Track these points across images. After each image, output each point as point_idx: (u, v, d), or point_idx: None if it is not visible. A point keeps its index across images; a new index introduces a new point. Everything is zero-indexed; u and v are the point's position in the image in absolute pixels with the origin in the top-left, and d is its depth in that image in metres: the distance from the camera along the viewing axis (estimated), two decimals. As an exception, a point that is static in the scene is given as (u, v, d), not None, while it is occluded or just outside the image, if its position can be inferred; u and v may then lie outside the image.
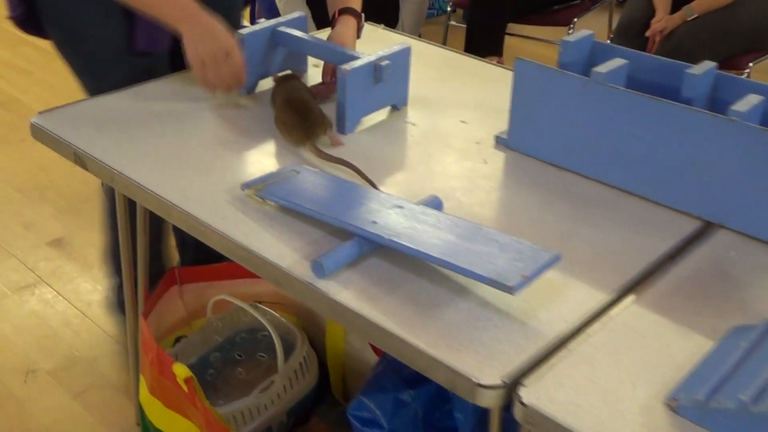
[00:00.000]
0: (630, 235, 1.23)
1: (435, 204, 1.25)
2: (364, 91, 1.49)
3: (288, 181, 1.29)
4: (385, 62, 1.48)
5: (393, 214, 1.19)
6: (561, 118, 1.37)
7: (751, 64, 2.75)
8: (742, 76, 2.75)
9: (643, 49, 2.78)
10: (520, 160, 1.43)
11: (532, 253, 1.09)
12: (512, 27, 3.27)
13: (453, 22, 3.32)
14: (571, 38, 1.44)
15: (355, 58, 1.49)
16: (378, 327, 1.03)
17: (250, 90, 1.62)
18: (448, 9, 3.33)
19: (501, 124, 1.52)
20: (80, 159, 1.40)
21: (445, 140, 1.49)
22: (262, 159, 1.40)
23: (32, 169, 2.97)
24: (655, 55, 1.40)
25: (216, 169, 1.36)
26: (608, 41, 3.01)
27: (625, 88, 1.32)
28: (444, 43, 3.30)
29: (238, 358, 1.76)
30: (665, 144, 1.27)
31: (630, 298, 1.09)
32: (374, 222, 1.16)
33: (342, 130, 1.48)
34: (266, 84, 1.64)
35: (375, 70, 1.48)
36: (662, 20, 2.73)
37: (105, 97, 1.58)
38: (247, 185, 1.28)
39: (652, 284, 1.13)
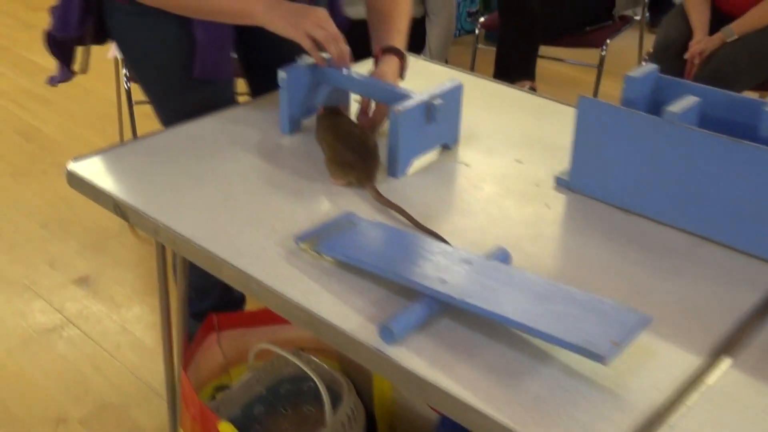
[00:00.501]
0: (713, 287, 1.15)
1: (503, 257, 1.17)
2: (416, 131, 1.41)
3: (344, 232, 1.22)
4: (437, 101, 1.40)
5: (462, 270, 1.11)
6: (630, 159, 1.29)
7: (793, 85, 2.67)
8: (785, 98, 2.67)
9: (682, 71, 2.70)
10: (585, 203, 1.35)
11: (618, 315, 1.01)
12: (542, 49, 3.20)
13: (480, 45, 3.25)
14: (636, 73, 1.36)
15: (406, 97, 1.42)
16: (458, 401, 0.94)
17: (294, 129, 1.54)
18: (477, 31, 3.26)
19: (557, 162, 1.45)
20: (121, 210, 1.32)
21: (502, 182, 1.41)
22: (312, 205, 1.32)
23: (55, 202, 2.91)
24: (727, 92, 1.32)
25: (265, 218, 1.28)
26: (642, 63, 2.93)
27: (698, 126, 1.24)
28: (472, 66, 3.23)
29: (284, 411, 1.68)
30: (745, 187, 1.19)
31: (726, 362, 1.01)
32: (443, 280, 1.08)
33: (394, 173, 1.41)
34: (309, 124, 1.57)
35: (427, 109, 1.41)
36: (701, 42, 2.65)
37: (144, 141, 1.52)
38: (301, 239, 1.20)
39: (746, 344, 1.04)
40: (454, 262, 1.13)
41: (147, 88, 1.72)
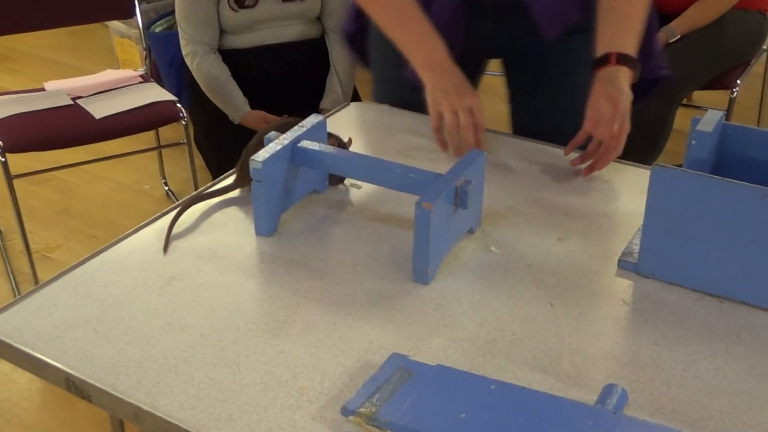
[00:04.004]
0: None
1: (620, 400, 0.90)
2: (446, 224, 1.11)
3: (403, 390, 0.91)
4: (468, 184, 1.11)
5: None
6: (726, 237, 1.04)
7: (739, 81, 2.52)
8: (732, 95, 2.53)
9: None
10: (665, 293, 1.09)
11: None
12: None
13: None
14: (707, 126, 1.12)
15: (426, 181, 1.12)
16: None
17: (273, 230, 1.21)
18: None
19: (605, 236, 1.20)
20: (79, 389, 0.96)
21: (555, 274, 1.13)
22: (337, 344, 1.00)
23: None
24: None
25: (285, 377, 0.95)
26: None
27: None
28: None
29: None
30: None
31: None
32: (575, 459, 0.79)
33: (424, 279, 1.11)
34: (289, 220, 1.24)
35: (456, 194, 1.11)
36: (642, 44, 2.46)
37: (77, 272, 1.14)
38: (350, 411, 0.88)
39: None
40: (571, 421, 0.84)
41: (386, 92, 1.65)
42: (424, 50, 1.37)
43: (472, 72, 1.55)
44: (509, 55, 1.59)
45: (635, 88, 1.45)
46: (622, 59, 1.31)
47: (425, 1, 1.40)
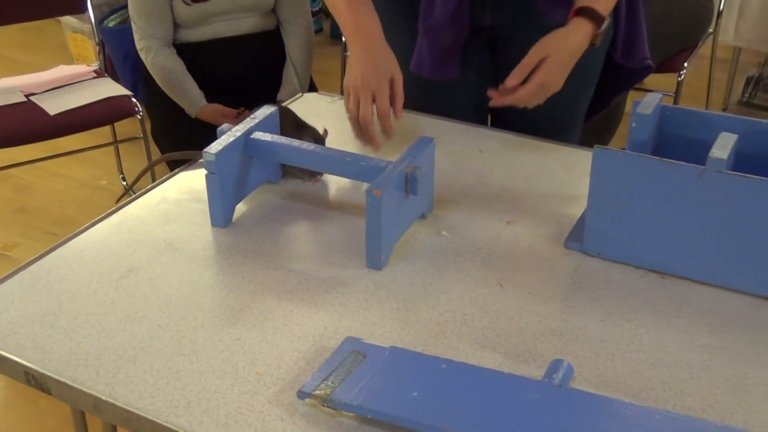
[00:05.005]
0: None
1: (566, 374, 0.93)
2: (397, 210, 1.14)
3: (359, 372, 0.93)
4: (418, 170, 1.14)
5: (537, 408, 0.86)
6: (665, 215, 1.08)
7: (686, 64, 2.58)
8: (680, 78, 2.59)
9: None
10: (612, 271, 1.13)
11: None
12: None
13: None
14: (646, 109, 1.15)
15: (376, 168, 1.14)
16: None
17: (228, 220, 1.23)
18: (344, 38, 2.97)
19: (552, 217, 1.23)
20: (38, 382, 0.97)
21: (504, 256, 1.17)
22: (292, 329, 1.03)
23: None
24: (763, 120, 1.14)
25: (241, 363, 0.97)
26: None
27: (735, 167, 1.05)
28: (342, 79, 2.95)
29: None
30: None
31: None
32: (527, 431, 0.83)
33: (377, 265, 1.13)
34: (243, 211, 1.26)
35: (406, 180, 1.14)
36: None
37: (34, 267, 1.15)
38: (306, 393, 0.91)
39: None
40: (518, 395, 0.87)
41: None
42: (355, 19, 1.36)
43: (476, 59, 1.55)
44: (502, 42, 1.56)
45: (619, 80, 1.47)
46: (583, 12, 1.31)
47: None
